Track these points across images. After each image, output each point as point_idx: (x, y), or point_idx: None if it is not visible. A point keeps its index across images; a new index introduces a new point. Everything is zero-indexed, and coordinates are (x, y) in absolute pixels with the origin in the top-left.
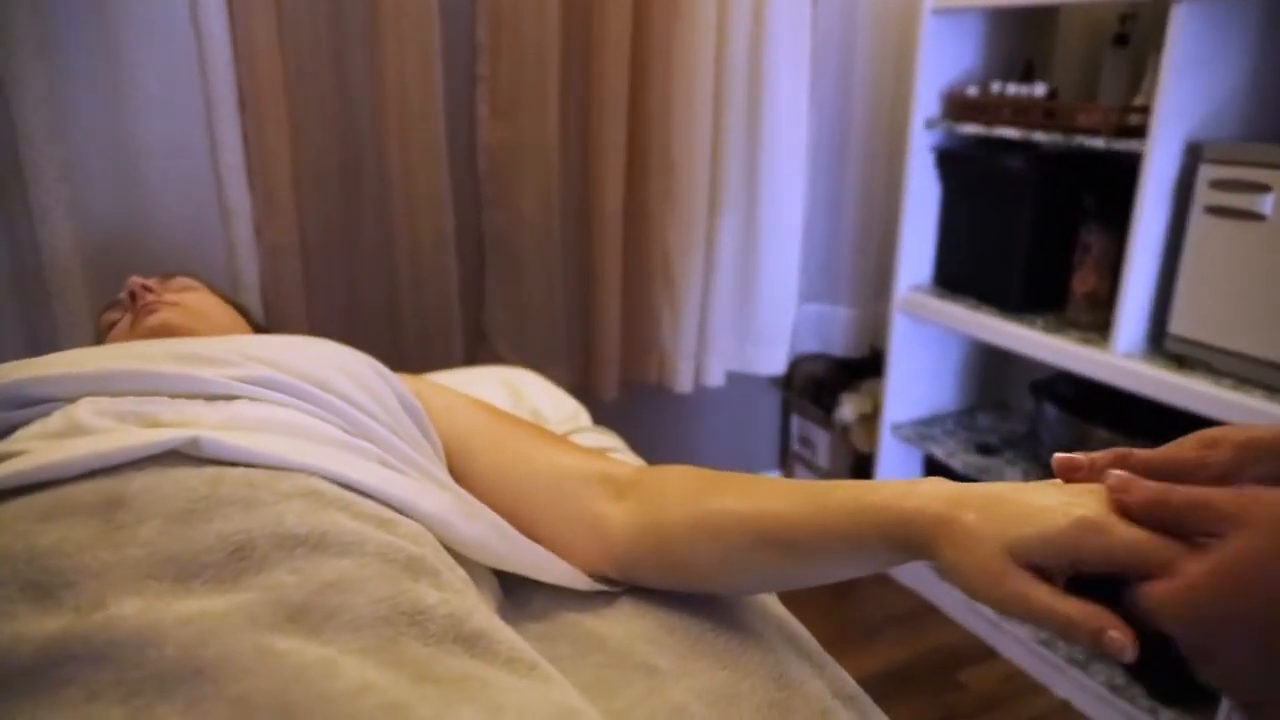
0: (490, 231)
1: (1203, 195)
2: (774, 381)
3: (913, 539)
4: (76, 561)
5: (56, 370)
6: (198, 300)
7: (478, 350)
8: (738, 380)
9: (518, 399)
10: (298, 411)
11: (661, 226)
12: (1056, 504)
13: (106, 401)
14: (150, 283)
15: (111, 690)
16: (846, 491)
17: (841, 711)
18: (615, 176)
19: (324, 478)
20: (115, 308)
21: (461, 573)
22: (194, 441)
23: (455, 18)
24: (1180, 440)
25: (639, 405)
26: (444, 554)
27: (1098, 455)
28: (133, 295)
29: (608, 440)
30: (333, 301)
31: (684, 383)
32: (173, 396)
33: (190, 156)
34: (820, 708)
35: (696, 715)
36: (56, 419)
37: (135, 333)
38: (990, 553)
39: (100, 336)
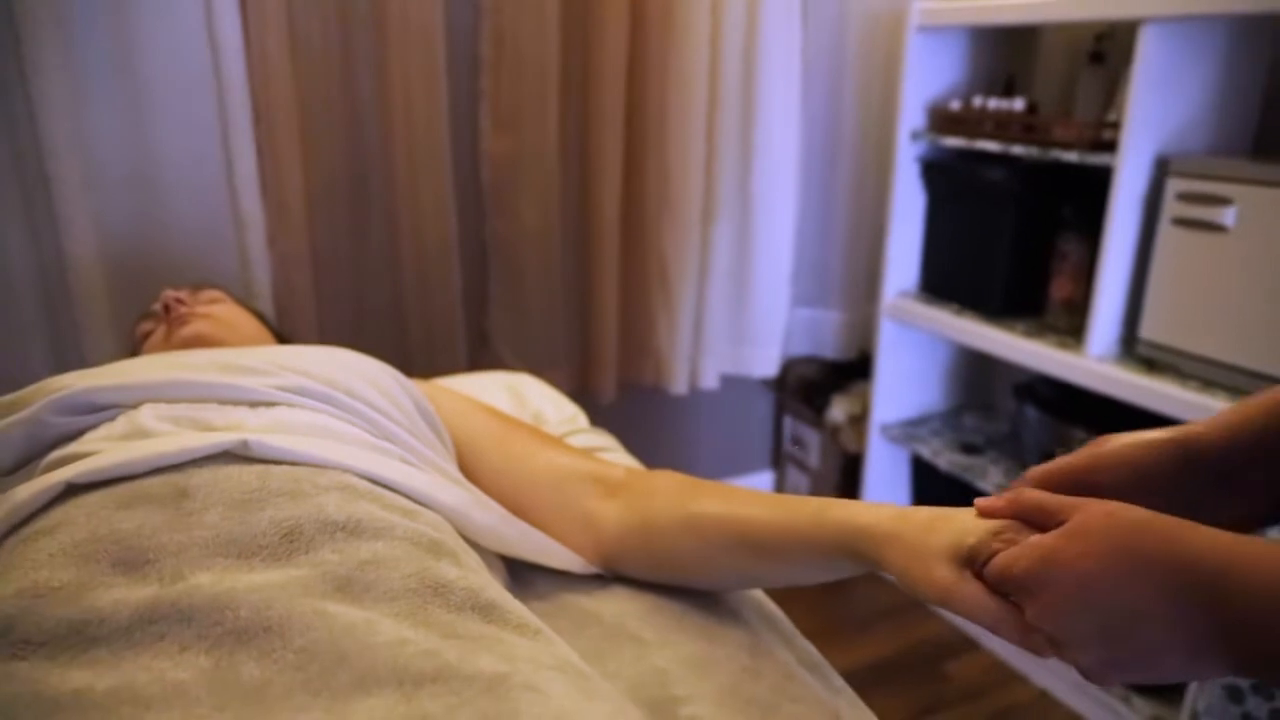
0: (492, 239)
1: (1170, 207)
2: (767, 383)
3: (863, 549)
4: (155, 542)
5: (117, 380)
6: (226, 311)
7: (480, 353)
8: (732, 382)
9: (520, 402)
10: (328, 416)
11: (657, 234)
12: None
13: (164, 408)
14: (182, 295)
15: (198, 643)
16: (812, 505)
17: (805, 676)
18: (612, 185)
19: (355, 474)
20: (149, 318)
21: (475, 556)
22: (244, 443)
23: (459, 35)
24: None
25: (636, 407)
26: (460, 540)
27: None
28: (166, 307)
29: (603, 440)
30: (341, 307)
31: (679, 385)
32: (221, 403)
33: (206, 169)
34: (786, 673)
35: (677, 677)
36: (121, 423)
37: (171, 342)
38: (930, 556)
39: (136, 345)
